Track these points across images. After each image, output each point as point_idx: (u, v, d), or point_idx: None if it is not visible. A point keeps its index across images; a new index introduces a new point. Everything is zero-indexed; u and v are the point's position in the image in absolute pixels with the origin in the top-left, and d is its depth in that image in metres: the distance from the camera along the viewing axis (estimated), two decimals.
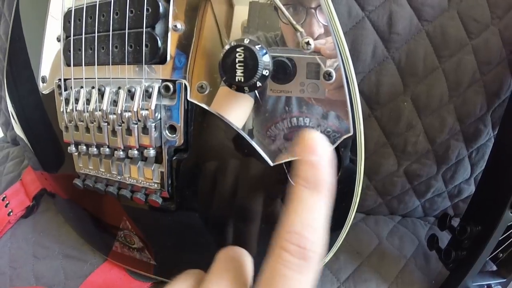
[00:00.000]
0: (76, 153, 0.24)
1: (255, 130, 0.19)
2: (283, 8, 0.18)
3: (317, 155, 0.14)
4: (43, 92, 0.25)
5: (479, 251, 0.27)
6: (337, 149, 0.19)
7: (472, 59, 0.27)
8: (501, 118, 0.29)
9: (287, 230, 0.14)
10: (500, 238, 0.28)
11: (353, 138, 0.19)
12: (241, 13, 0.19)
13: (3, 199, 0.36)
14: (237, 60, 0.16)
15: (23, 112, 0.30)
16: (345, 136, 0.19)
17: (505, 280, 0.30)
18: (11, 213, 0.35)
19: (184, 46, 0.19)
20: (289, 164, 0.19)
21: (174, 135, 0.20)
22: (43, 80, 0.25)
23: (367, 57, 0.26)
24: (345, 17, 0.25)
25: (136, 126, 0.20)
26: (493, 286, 0.29)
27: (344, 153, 0.19)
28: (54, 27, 0.24)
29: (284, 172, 0.19)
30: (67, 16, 0.22)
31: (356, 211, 0.34)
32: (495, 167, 0.28)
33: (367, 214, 0.34)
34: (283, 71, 0.18)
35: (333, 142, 0.19)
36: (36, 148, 0.31)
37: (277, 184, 0.20)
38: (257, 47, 0.17)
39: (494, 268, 0.31)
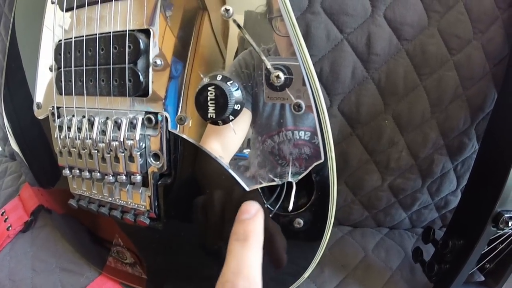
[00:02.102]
0: (71, 176, 0.27)
1: (251, 143, 0.22)
2: (252, 41, 0.20)
3: (247, 214, 0.19)
4: (39, 118, 0.28)
5: (462, 264, 0.29)
6: (309, 175, 0.21)
7: (454, 75, 0.29)
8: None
9: (221, 281, 0.17)
10: (486, 249, 0.30)
11: (325, 164, 0.21)
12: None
13: (2, 214, 0.39)
14: (208, 98, 0.19)
15: (20, 129, 0.33)
16: (316, 163, 0.21)
17: None
18: (10, 228, 0.38)
19: (166, 80, 0.22)
20: (263, 189, 0.22)
21: (158, 162, 0.23)
22: (38, 106, 0.28)
23: (347, 78, 0.28)
24: (324, 40, 0.27)
25: (123, 154, 0.23)
26: None
27: (317, 178, 0.21)
28: (46, 56, 0.27)
29: (259, 196, 0.22)
30: (57, 49, 0.25)
31: (343, 224, 0.37)
32: (477, 182, 0.30)
33: (355, 227, 0.36)
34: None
35: (305, 168, 0.21)
36: (32, 164, 0.34)
37: None
38: (228, 83, 0.19)
39: (482, 278, 0.33)
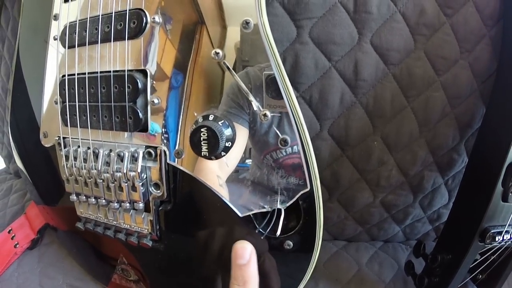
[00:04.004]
0: (77, 201, 0.31)
1: (252, 156, 0.25)
2: (241, 83, 0.23)
3: (243, 260, 0.23)
4: (45, 146, 0.32)
5: (450, 278, 0.32)
6: (297, 202, 0.25)
7: (441, 94, 0.32)
8: None
9: None
10: (479, 260, 0.33)
11: (311, 192, 0.24)
12: (234, 33, 0.24)
13: (9, 232, 0.44)
14: (201, 138, 0.22)
15: (25, 150, 0.37)
16: (302, 191, 0.24)
17: None
18: (17, 245, 0.42)
19: (163, 117, 0.25)
20: (256, 215, 0.25)
21: (159, 191, 0.27)
22: (45, 135, 0.32)
23: (335, 104, 0.31)
24: (312, 69, 0.30)
25: (126, 184, 0.27)
26: None
27: (304, 205, 0.25)
28: (51, 89, 0.31)
29: (251, 221, 0.25)
30: (62, 84, 0.29)
31: (338, 239, 0.40)
32: (464, 197, 0.33)
33: (349, 241, 0.40)
34: (278, 87, 0.23)
35: (292, 196, 0.25)
36: (37, 183, 0.38)
37: (244, 230, 0.26)
38: (219, 123, 0.23)
39: None
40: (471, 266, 0.33)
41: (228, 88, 0.24)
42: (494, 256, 0.34)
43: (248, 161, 0.26)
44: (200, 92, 0.25)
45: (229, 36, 0.24)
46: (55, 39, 0.30)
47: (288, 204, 0.25)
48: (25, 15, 0.33)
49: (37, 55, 0.32)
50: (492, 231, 0.30)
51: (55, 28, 0.30)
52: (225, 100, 0.24)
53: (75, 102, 0.28)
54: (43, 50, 0.31)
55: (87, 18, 0.27)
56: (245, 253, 0.24)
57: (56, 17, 0.30)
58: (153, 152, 0.26)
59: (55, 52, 0.30)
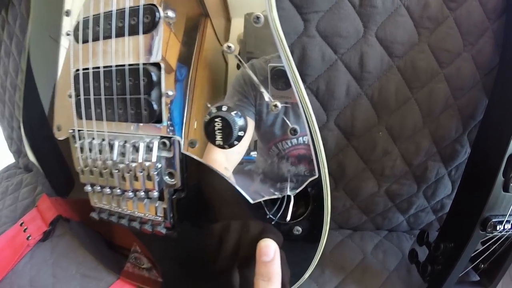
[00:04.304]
0: (92, 191, 0.32)
1: (258, 147, 0.26)
2: (252, 74, 0.25)
3: (267, 257, 0.25)
4: (59, 139, 0.33)
5: (452, 266, 0.34)
6: (305, 189, 0.26)
7: (445, 86, 0.33)
8: None
9: None
10: (480, 249, 0.35)
11: (319, 180, 0.26)
12: (237, 25, 0.25)
13: (21, 225, 0.45)
14: (216, 128, 0.24)
15: (37, 144, 0.38)
16: (311, 179, 0.26)
17: None
18: (30, 238, 0.44)
19: (177, 108, 0.27)
20: (266, 202, 0.27)
21: (173, 180, 0.28)
22: (58, 128, 0.33)
23: (341, 96, 0.32)
24: (319, 61, 0.31)
25: (141, 174, 0.28)
26: None
27: (312, 191, 0.26)
28: (64, 83, 0.32)
29: (262, 208, 0.27)
30: (76, 78, 0.30)
31: (343, 228, 0.41)
32: (466, 187, 0.34)
33: (354, 230, 0.41)
34: (283, 79, 0.24)
35: (301, 183, 0.26)
36: (50, 175, 0.39)
37: (256, 216, 0.27)
38: (233, 113, 0.24)
39: (477, 278, 0.38)
40: (473, 255, 0.34)
41: (234, 81, 0.25)
42: (496, 246, 0.35)
43: (253, 154, 0.27)
44: (206, 84, 0.26)
45: (233, 28, 0.25)
46: (68, 34, 0.31)
47: (297, 191, 0.26)
48: (34, 12, 0.34)
49: (48, 51, 0.33)
50: (493, 220, 0.31)
51: (68, 24, 0.31)
52: (232, 93, 0.25)
53: (90, 95, 0.29)
54: (53, 46, 0.32)
55: (100, 14, 0.28)
56: (270, 251, 0.26)
57: (68, 13, 0.31)
58: (167, 142, 0.27)
59: (68, 47, 0.31)
